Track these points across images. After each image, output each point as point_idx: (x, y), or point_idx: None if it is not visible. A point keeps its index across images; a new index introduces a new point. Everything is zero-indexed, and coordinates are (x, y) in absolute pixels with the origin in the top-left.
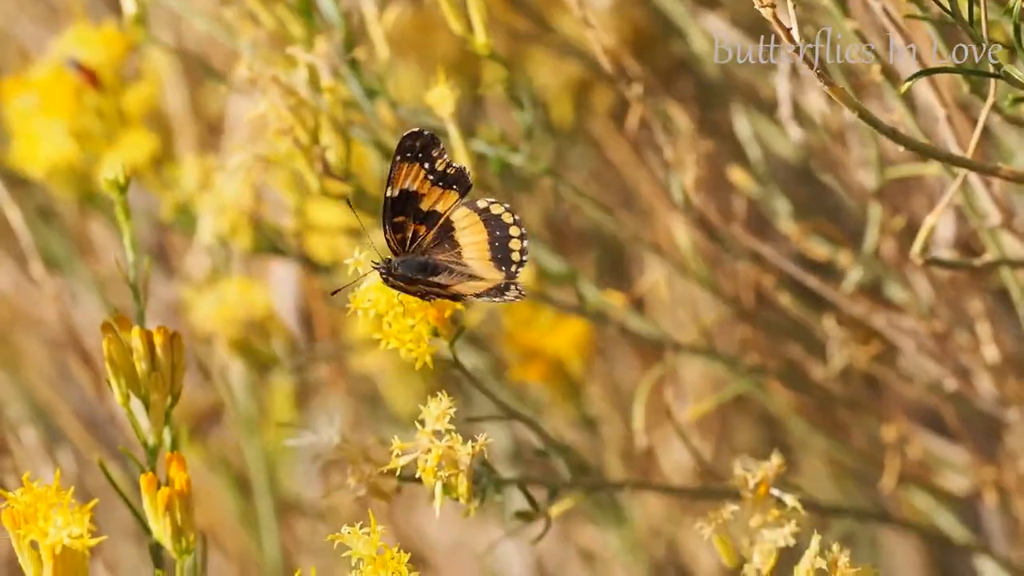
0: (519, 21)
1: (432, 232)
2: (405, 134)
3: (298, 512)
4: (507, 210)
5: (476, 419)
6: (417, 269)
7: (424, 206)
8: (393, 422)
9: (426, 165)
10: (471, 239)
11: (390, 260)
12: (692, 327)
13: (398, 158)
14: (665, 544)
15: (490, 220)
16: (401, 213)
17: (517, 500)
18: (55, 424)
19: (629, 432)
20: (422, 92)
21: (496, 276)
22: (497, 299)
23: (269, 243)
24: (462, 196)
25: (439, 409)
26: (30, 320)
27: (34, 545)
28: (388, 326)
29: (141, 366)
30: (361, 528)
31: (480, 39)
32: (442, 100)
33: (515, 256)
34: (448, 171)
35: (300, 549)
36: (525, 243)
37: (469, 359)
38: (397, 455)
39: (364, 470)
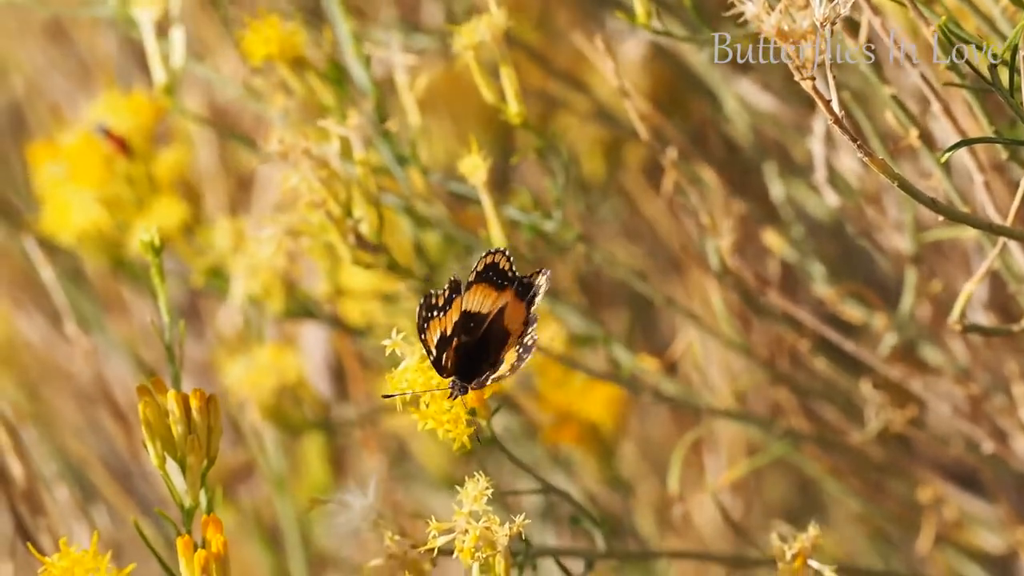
0: (551, 85)
1: (464, 334)
2: (417, 317)
3: (332, 568)
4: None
5: (513, 493)
6: (475, 358)
7: (449, 332)
8: (425, 481)
9: (435, 313)
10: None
11: (454, 382)
12: (727, 390)
13: (423, 336)
14: None
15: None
16: (442, 352)
17: (553, 569)
18: (88, 480)
19: (663, 491)
20: (455, 154)
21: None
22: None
23: (301, 307)
24: (459, 292)
25: (476, 490)
26: (61, 375)
27: None
28: (425, 407)
29: (177, 429)
30: None
31: (513, 108)
32: (474, 169)
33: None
34: (446, 294)
35: None
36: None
37: (502, 421)
38: (433, 536)
39: (399, 547)
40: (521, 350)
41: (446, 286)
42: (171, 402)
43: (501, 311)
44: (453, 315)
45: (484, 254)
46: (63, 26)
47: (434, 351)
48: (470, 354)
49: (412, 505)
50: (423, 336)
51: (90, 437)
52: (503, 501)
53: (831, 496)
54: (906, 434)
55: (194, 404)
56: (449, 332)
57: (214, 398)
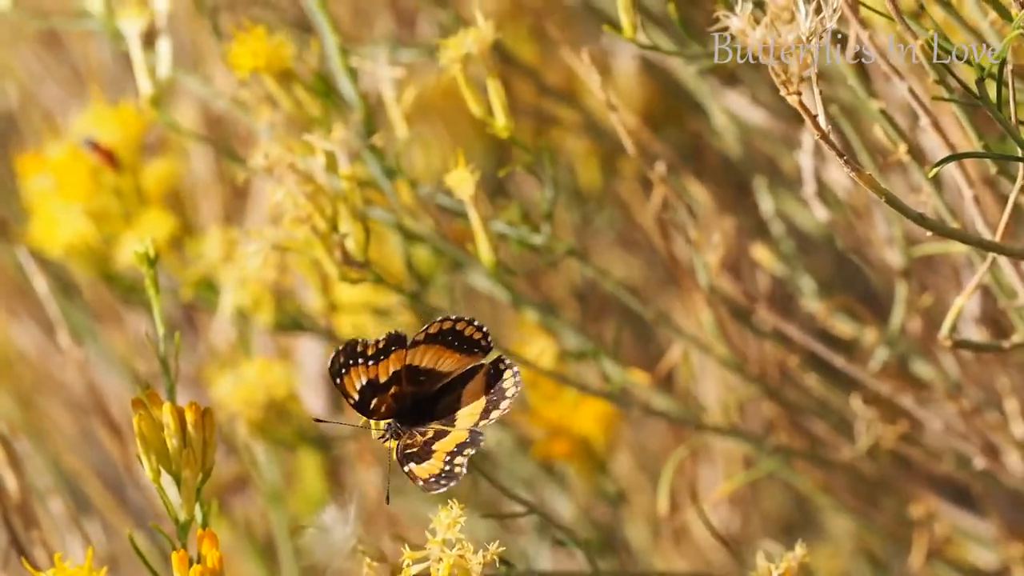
0: (544, 100)
1: (410, 384)
2: (330, 360)
3: None
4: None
5: (496, 516)
6: (421, 407)
7: (383, 380)
8: (419, 495)
9: (360, 361)
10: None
11: (389, 425)
12: (718, 405)
13: (337, 380)
14: None
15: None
16: (370, 402)
17: None
18: (82, 492)
19: (657, 504)
20: (443, 167)
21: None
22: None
23: (291, 320)
24: (403, 345)
25: (449, 518)
26: (55, 385)
27: None
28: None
29: (172, 443)
30: None
31: (500, 122)
32: (462, 183)
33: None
34: (380, 345)
35: None
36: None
37: (494, 435)
38: (408, 564)
39: (377, 573)
40: (496, 400)
41: (381, 337)
42: (166, 415)
43: (468, 375)
44: (390, 365)
45: (441, 319)
46: (57, 34)
47: (355, 395)
48: (416, 402)
49: (407, 517)
50: (337, 381)
51: (84, 449)
52: (495, 509)
53: (825, 512)
54: (898, 450)
55: (189, 418)
56: (383, 380)
57: (209, 412)
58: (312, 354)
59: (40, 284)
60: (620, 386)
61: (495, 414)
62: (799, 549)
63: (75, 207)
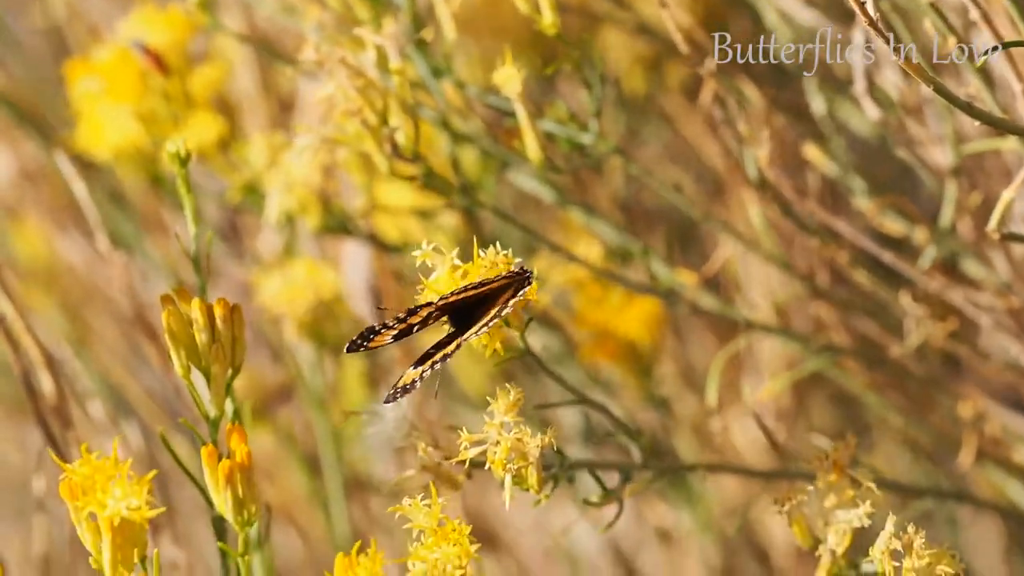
0: (594, 1)
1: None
2: (347, 345)
3: (369, 489)
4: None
5: (546, 406)
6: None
7: (416, 321)
8: (464, 401)
9: (380, 331)
10: None
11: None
12: (766, 305)
13: (361, 350)
14: (739, 522)
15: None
16: (409, 333)
17: (590, 482)
18: (124, 398)
19: (703, 410)
20: (491, 70)
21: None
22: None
23: (337, 222)
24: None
25: (507, 401)
26: (101, 296)
27: (92, 517)
28: None
29: (201, 338)
30: (424, 501)
31: (547, 19)
32: (509, 80)
33: None
34: (400, 316)
35: (373, 526)
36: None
37: (540, 339)
38: (465, 447)
39: (432, 458)
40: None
41: (400, 314)
42: (195, 311)
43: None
44: (422, 312)
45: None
46: None
47: (388, 341)
48: (466, 305)
49: (449, 422)
50: (361, 350)
51: (131, 360)
52: (542, 420)
53: (876, 419)
54: (947, 350)
55: (218, 313)
56: (417, 321)
57: (238, 308)
58: (358, 260)
59: (79, 188)
60: (667, 285)
61: (492, 323)
62: (850, 439)
63: (124, 109)
